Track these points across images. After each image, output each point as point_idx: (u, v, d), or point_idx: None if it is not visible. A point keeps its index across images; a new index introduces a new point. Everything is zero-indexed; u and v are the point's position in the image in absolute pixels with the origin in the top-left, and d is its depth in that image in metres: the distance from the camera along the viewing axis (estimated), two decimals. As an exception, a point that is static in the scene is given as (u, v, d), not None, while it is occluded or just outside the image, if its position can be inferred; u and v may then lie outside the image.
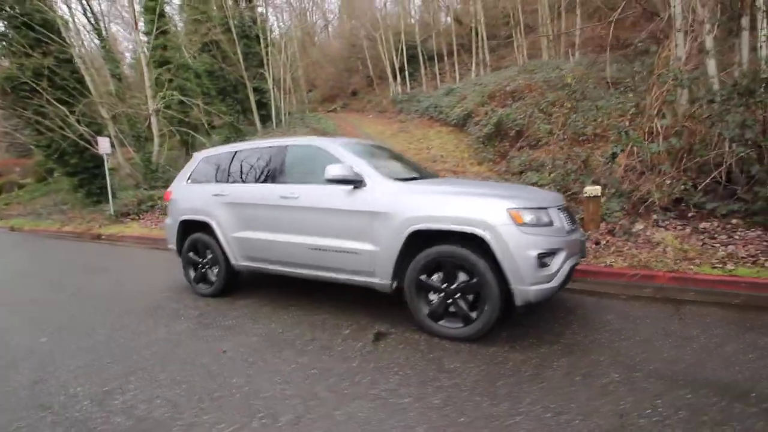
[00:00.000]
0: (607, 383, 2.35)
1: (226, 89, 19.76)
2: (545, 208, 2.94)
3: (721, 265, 4.17)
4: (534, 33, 21.12)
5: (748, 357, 2.59)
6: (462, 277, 2.97)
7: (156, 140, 13.80)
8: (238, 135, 17.58)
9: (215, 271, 4.34)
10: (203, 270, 4.42)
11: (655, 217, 5.50)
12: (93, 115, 11.82)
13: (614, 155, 5.95)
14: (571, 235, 3.10)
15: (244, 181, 4.13)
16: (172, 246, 4.70)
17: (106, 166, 10.34)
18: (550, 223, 2.91)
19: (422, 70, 23.98)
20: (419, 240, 3.08)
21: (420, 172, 4.10)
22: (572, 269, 3.05)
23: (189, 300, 4.30)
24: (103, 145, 10.03)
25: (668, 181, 5.59)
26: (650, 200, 5.68)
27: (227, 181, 4.24)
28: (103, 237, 9.42)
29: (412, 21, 26.95)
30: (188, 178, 4.64)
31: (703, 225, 5.13)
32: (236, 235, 4.04)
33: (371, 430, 2.01)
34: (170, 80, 13.34)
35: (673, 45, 6.49)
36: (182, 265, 4.60)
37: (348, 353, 2.87)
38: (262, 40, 18.54)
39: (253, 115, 19.12)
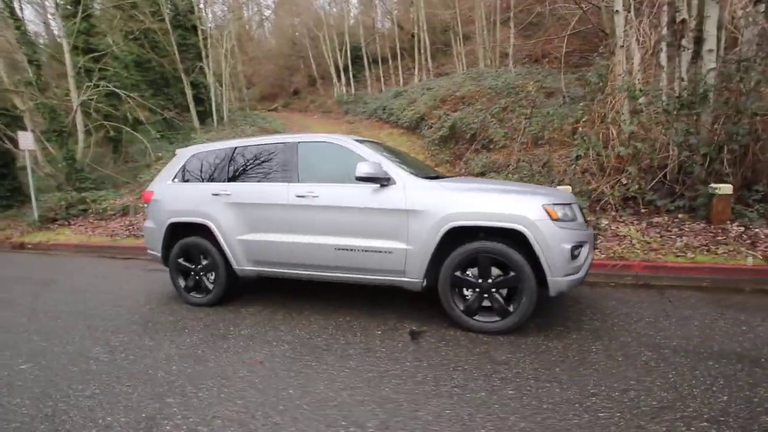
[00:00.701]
0: (647, 361, 2.60)
1: (157, 82, 18.18)
2: (570, 204, 3.16)
3: (682, 254, 4.78)
4: (471, 42, 22.28)
5: (741, 329, 3.02)
6: (495, 271, 3.08)
7: (81, 136, 12.31)
8: (173, 132, 16.28)
9: (212, 278, 4.01)
10: (197, 277, 4.06)
11: (613, 213, 6.14)
12: (4, 106, 10.16)
13: (578, 157, 6.52)
14: (587, 229, 3.37)
15: (248, 180, 3.87)
16: (155, 252, 4.25)
17: (28, 164, 8.95)
18: (575, 218, 3.14)
19: (367, 73, 24.11)
20: (450, 237, 3.13)
21: (430, 171, 4.16)
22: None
23: (183, 311, 3.92)
24: (25, 140, 8.67)
25: (624, 181, 6.27)
26: (605, 199, 6.34)
27: (227, 180, 3.94)
28: (28, 246, 8.16)
29: (352, 22, 26.94)
30: (175, 177, 4.23)
31: (656, 220, 5.82)
32: (242, 238, 3.77)
33: (468, 426, 2.02)
34: (102, 69, 11.97)
35: (617, 60, 7.31)
36: (170, 273, 4.17)
37: (395, 354, 2.83)
38: (200, 32, 17.38)
39: (189, 111, 17.79)
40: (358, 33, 24.74)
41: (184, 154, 4.32)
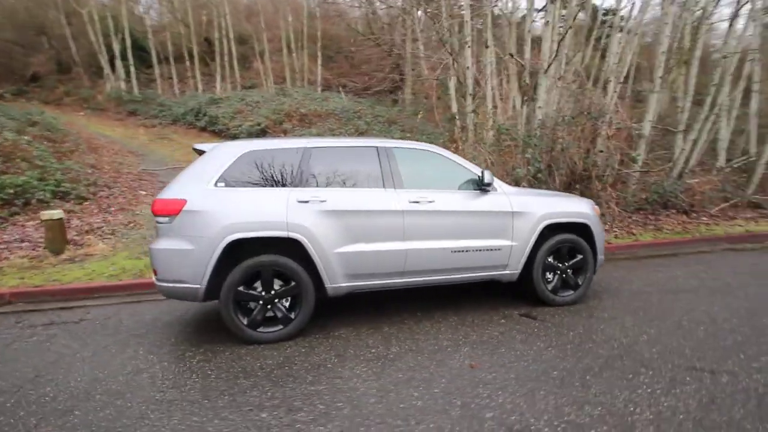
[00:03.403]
0: (695, 296, 4.04)
1: None
2: (592, 205, 4.47)
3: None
4: (275, 61, 22.50)
5: (696, 275, 4.92)
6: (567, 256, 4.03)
7: None
8: None
9: (287, 304, 3.28)
10: (267, 307, 3.21)
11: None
12: None
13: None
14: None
15: (334, 184, 3.42)
16: (188, 284, 3.07)
17: None
18: (596, 215, 4.47)
19: (156, 70, 20.55)
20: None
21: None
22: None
23: (267, 351, 3.06)
24: None
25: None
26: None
27: (308, 185, 3.34)
28: None
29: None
30: (218, 180, 3.19)
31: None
32: (341, 251, 3.30)
33: (700, 352, 2.88)
34: None
35: (468, 103, 9.63)
36: (223, 308, 3.10)
37: (552, 331, 3.33)
38: None
39: None
40: (142, 22, 20.82)
41: (227, 152, 3.31)
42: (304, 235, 3.21)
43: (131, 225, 7.27)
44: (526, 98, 8.62)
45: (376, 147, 3.64)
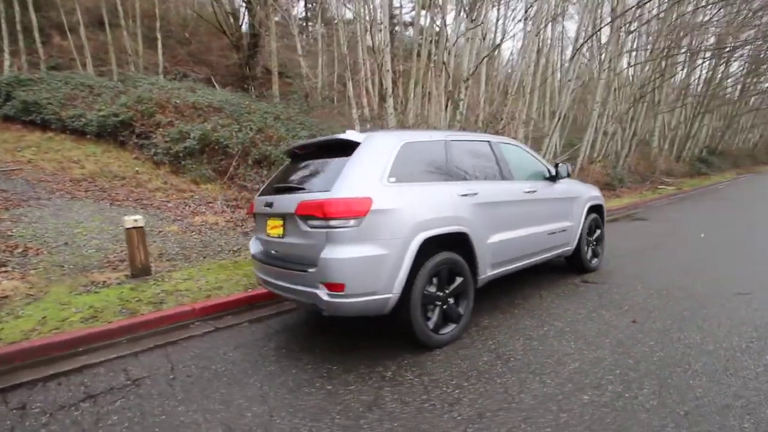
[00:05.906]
0: (670, 247, 5.48)
1: None
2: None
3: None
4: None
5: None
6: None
7: None
8: None
9: (451, 301, 3.15)
10: (444, 307, 3.03)
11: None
12: None
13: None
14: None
15: (476, 177, 3.45)
16: (383, 295, 2.64)
17: None
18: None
19: None
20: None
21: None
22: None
23: (466, 349, 2.90)
24: None
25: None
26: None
27: (455, 178, 3.26)
28: None
29: None
30: (390, 175, 2.81)
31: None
32: (491, 241, 3.38)
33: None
34: None
35: (388, 104, 10.17)
36: (411, 314, 2.78)
37: (628, 293, 4.16)
38: None
39: None
40: None
41: (386, 144, 2.91)
42: (468, 229, 3.15)
43: (22, 251, 5.05)
44: (450, 102, 9.65)
45: (489, 141, 3.79)
